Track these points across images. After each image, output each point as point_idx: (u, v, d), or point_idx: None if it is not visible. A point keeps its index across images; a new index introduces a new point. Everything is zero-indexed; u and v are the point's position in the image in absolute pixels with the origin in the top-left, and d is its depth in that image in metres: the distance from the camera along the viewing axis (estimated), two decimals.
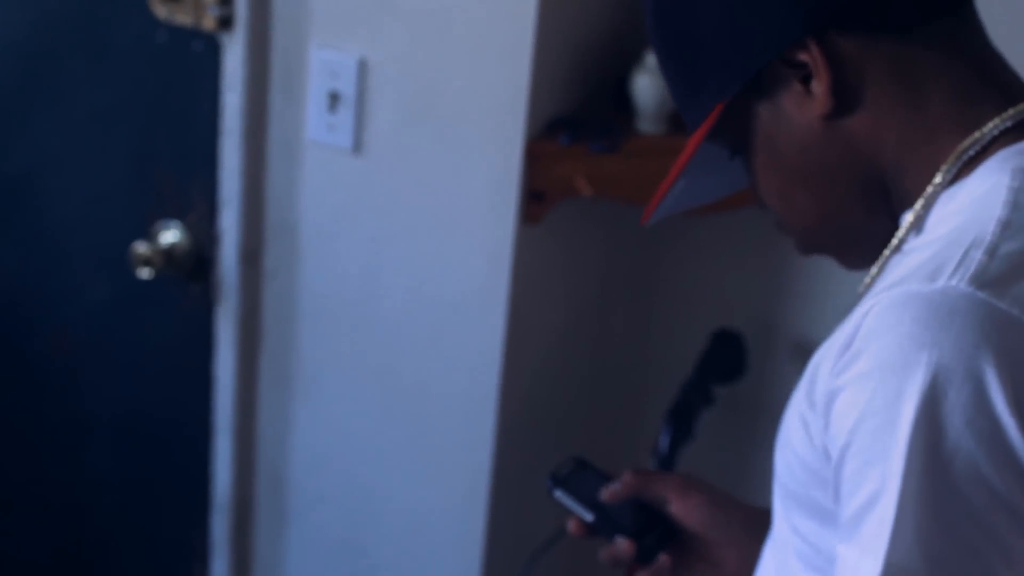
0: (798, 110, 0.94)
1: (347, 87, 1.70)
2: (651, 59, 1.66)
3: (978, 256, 0.82)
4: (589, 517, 1.26)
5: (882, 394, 0.80)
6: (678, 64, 0.98)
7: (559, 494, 1.28)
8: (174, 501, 2.10)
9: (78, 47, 1.92)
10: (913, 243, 0.91)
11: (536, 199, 1.67)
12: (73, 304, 2.08)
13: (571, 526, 1.27)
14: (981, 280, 0.81)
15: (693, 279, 1.97)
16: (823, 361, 0.87)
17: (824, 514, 0.90)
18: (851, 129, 0.93)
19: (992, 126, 0.90)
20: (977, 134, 0.90)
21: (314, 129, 1.75)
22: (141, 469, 2.12)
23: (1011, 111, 0.91)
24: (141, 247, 1.87)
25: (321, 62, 1.71)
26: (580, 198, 1.68)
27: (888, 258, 0.93)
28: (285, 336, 1.89)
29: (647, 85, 1.67)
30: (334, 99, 1.71)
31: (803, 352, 1.90)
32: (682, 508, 1.22)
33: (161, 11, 1.77)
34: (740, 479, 1.84)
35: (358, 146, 1.73)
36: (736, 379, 1.87)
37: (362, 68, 1.69)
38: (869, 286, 0.94)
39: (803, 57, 0.91)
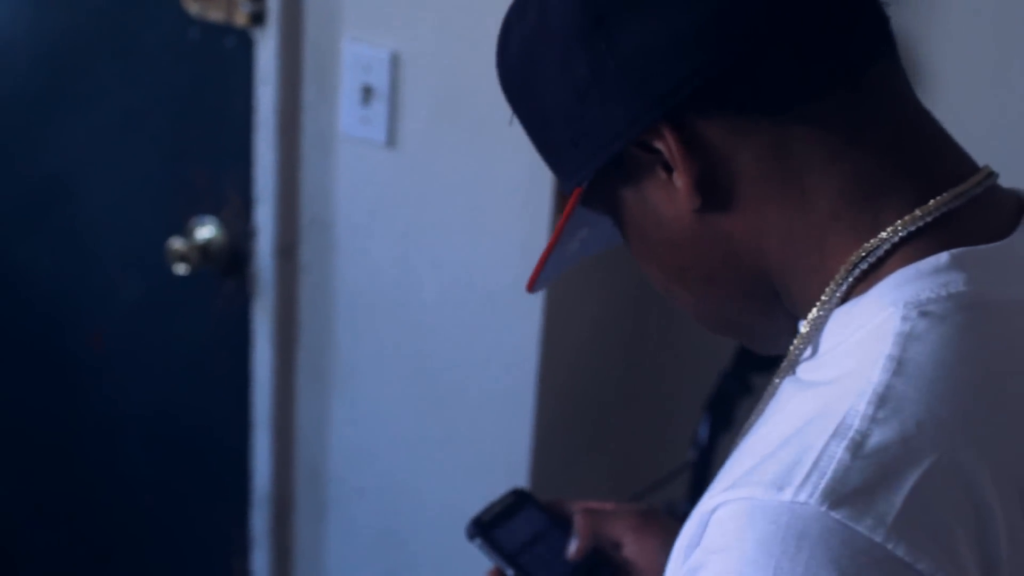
0: (665, 201, 0.80)
1: (380, 81, 1.69)
2: None
3: (838, 454, 0.67)
4: (510, 573, 1.15)
5: None
6: (533, 138, 0.87)
7: (479, 543, 1.17)
8: (214, 497, 2.11)
9: (110, 46, 1.92)
10: (807, 367, 0.78)
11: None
12: (109, 302, 2.08)
13: None
14: (838, 494, 0.66)
15: None
16: (676, 551, 0.76)
17: None
18: (727, 226, 0.79)
19: (890, 232, 0.75)
20: (872, 241, 0.75)
21: (347, 123, 1.74)
22: (180, 465, 2.13)
23: (918, 211, 0.75)
24: (177, 243, 1.87)
25: (354, 56, 1.71)
26: None
27: (782, 381, 0.80)
28: (321, 330, 1.89)
29: None
30: (367, 93, 1.71)
31: None
32: (637, 550, 1.14)
33: (193, 8, 1.77)
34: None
35: (392, 140, 1.72)
36: (774, 367, 1.85)
37: (395, 62, 1.68)
38: (761, 412, 0.82)
39: (659, 145, 0.77)
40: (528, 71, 0.84)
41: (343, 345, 1.88)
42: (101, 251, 2.06)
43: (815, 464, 0.67)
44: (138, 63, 1.90)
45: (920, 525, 0.66)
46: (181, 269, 1.87)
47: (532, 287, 0.97)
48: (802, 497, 0.66)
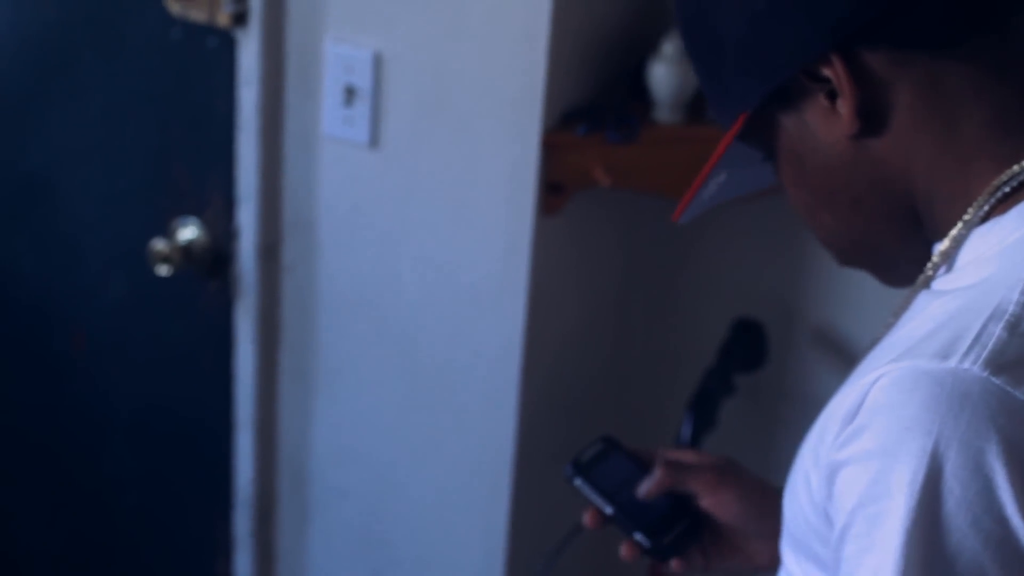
0: (825, 127, 0.87)
1: (363, 81, 1.69)
2: (668, 48, 1.65)
3: (996, 332, 0.76)
4: (609, 510, 1.22)
5: (883, 481, 0.75)
6: (702, 67, 0.94)
7: (579, 483, 1.24)
8: (196, 497, 2.11)
9: (93, 45, 1.92)
10: (943, 281, 0.86)
11: (554, 190, 1.66)
12: (91, 302, 2.08)
13: (587, 519, 1.23)
14: (998, 363, 0.74)
15: (713, 267, 1.96)
16: (829, 423, 0.82)
17: (826, 566, 0.87)
18: (879, 152, 0.87)
19: None
20: (1015, 168, 0.83)
21: (330, 124, 1.74)
22: (163, 466, 2.12)
23: None
24: (159, 244, 1.87)
25: (336, 56, 1.71)
26: (598, 188, 1.67)
27: (916, 293, 0.88)
28: (304, 331, 1.89)
29: (664, 74, 1.66)
30: (350, 93, 1.71)
31: (824, 339, 1.89)
32: (714, 503, 1.20)
33: (175, 8, 1.77)
34: (762, 467, 1.82)
35: (375, 140, 1.72)
36: (758, 368, 1.86)
37: (377, 62, 1.68)
38: (893, 324, 0.89)
39: (827, 72, 0.85)
40: (708, 2, 0.89)
41: (326, 345, 1.88)
42: (83, 252, 2.05)
43: (976, 338, 0.75)
44: (120, 63, 1.90)
45: None
46: (163, 270, 1.87)
47: (679, 217, 1.02)
48: (966, 364, 0.74)
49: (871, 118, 0.85)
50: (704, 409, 1.80)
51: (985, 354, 0.74)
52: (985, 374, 0.74)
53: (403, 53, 1.67)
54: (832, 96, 0.86)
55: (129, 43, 1.88)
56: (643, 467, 1.25)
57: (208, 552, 2.11)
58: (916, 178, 0.87)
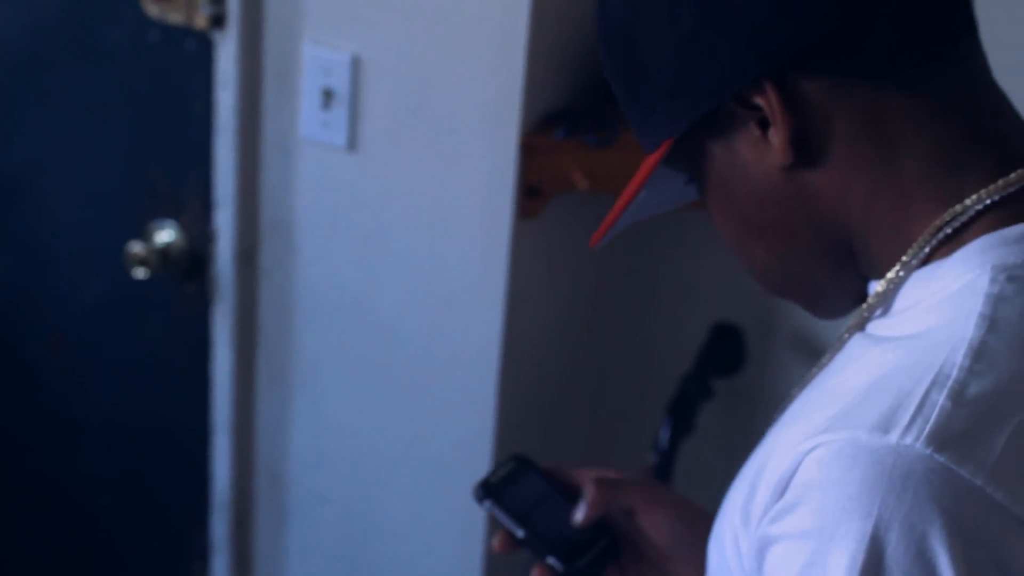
0: (755, 157, 0.82)
1: (341, 84, 1.69)
2: None
3: (940, 401, 0.70)
4: (520, 533, 1.16)
5: (819, 563, 0.70)
6: (624, 86, 0.88)
7: (488, 505, 1.18)
8: (173, 501, 2.10)
9: (69, 47, 1.91)
10: (879, 325, 0.81)
11: (532, 194, 1.66)
12: (68, 305, 2.07)
13: (495, 543, 1.17)
14: (942, 438, 0.69)
15: (691, 272, 1.96)
16: (760, 484, 0.78)
17: None
18: (814, 185, 0.81)
19: (975, 199, 0.78)
20: (958, 207, 0.78)
21: (308, 127, 1.74)
22: (139, 469, 2.11)
23: (1001, 182, 0.78)
24: (136, 247, 1.86)
25: (314, 59, 1.70)
26: (576, 192, 1.67)
27: (851, 333, 0.83)
28: (282, 334, 1.89)
29: None
30: (328, 96, 1.70)
31: (802, 344, 1.89)
32: (647, 520, 1.14)
33: (152, 10, 1.76)
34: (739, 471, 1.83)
35: (352, 143, 1.72)
36: (735, 372, 1.86)
37: (355, 65, 1.68)
38: (825, 365, 0.84)
39: (759, 100, 0.79)
40: (632, 20, 0.84)
41: (304, 349, 1.88)
42: (60, 254, 2.04)
43: (918, 409, 0.70)
44: (97, 65, 1.89)
45: (1017, 472, 0.70)
46: (140, 273, 1.86)
47: (596, 242, 0.98)
48: (908, 440, 0.69)
49: (806, 149, 0.80)
50: (682, 414, 1.80)
51: (928, 428, 0.70)
52: (928, 451, 0.69)
53: (381, 56, 1.67)
54: (764, 124, 0.80)
55: (106, 45, 1.87)
56: (558, 487, 1.19)
57: (185, 556, 2.10)
58: (852, 214, 0.81)
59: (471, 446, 1.78)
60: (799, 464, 0.74)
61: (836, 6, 0.77)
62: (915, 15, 0.78)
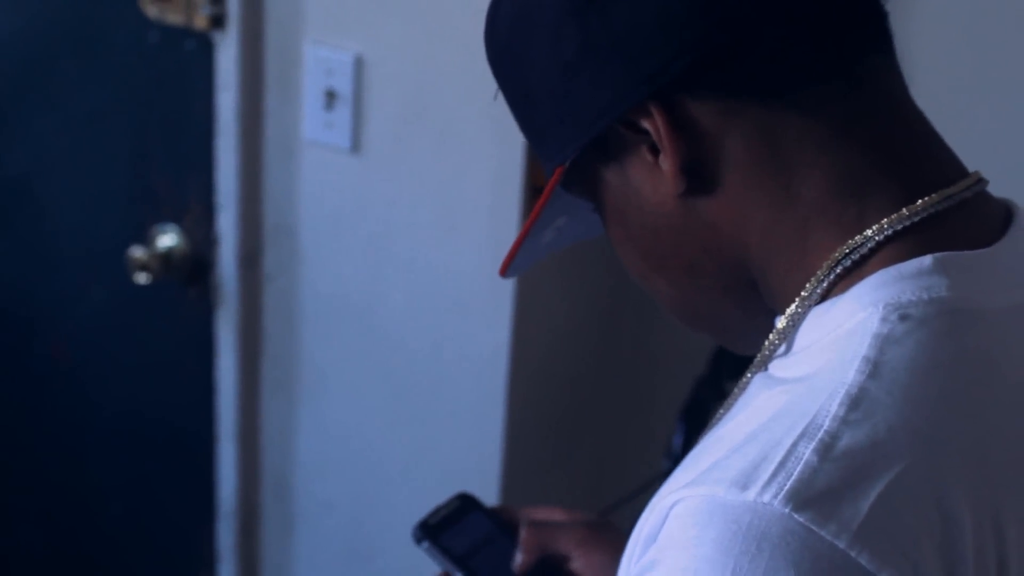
0: (649, 184, 0.78)
1: (344, 85, 1.66)
2: None
3: (806, 455, 0.65)
4: None
5: None
6: (515, 111, 0.84)
7: (426, 546, 1.14)
8: (179, 508, 2.08)
9: (69, 49, 1.89)
10: (780, 364, 0.76)
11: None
12: (71, 310, 2.06)
13: None
14: (803, 496, 0.64)
15: None
16: (635, 538, 0.73)
17: None
18: (709, 214, 0.77)
19: (876, 229, 0.73)
20: (858, 238, 0.73)
21: (311, 128, 1.71)
22: (144, 476, 2.10)
23: (905, 211, 0.72)
24: (138, 252, 1.84)
25: (316, 59, 1.68)
26: None
27: (754, 372, 0.78)
28: (287, 339, 1.87)
29: None
30: (331, 97, 1.68)
31: None
32: (585, 564, 1.11)
33: (152, 11, 1.74)
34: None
35: (356, 145, 1.69)
36: None
37: (359, 65, 1.65)
38: (731, 406, 0.79)
39: (646, 124, 0.75)
40: (516, 44, 0.81)
41: (309, 354, 1.86)
42: (62, 259, 2.03)
43: (781, 464, 0.65)
44: (97, 67, 1.87)
45: (885, 533, 0.64)
46: (142, 278, 1.84)
47: (505, 272, 0.95)
48: (766, 498, 0.64)
49: (698, 175, 0.75)
50: (696, 418, 1.77)
51: (789, 485, 0.64)
52: (787, 510, 0.63)
53: (385, 56, 1.64)
54: (656, 150, 0.76)
55: (105, 47, 1.86)
56: (503, 527, 1.16)
57: (191, 564, 2.08)
58: (751, 246, 0.77)
59: (480, 453, 1.76)
60: (664, 519, 0.69)
61: (719, 24, 0.73)
62: (810, 31, 0.74)
